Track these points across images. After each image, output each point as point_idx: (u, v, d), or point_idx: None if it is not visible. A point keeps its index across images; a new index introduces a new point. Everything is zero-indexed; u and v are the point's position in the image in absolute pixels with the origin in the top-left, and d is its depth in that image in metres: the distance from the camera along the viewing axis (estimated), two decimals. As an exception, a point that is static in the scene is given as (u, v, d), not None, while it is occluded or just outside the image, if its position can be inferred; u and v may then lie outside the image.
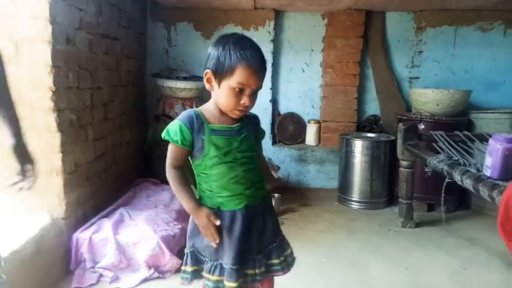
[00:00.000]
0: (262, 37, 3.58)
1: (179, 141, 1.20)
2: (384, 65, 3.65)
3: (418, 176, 2.94)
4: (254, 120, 1.35)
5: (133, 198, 2.63)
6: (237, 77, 1.14)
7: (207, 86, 1.24)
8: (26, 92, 1.92)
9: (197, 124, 1.21)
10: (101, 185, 2.54)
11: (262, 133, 1.40)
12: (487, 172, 1.90)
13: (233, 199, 1.24)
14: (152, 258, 2.02)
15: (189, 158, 1.27)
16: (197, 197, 1.29)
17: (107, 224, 2.14)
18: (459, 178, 1.98)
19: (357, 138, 3.31)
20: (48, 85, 1.93)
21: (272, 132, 3.77)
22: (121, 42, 2.93)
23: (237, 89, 1.15)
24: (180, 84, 3.20)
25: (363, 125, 3.70)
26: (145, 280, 1.99)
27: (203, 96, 3.52)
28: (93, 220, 2.21)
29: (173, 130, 1.21)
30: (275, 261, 1.33)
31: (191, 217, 1.31)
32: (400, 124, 2.78)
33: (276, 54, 3.69)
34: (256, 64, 1.15)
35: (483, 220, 2.96)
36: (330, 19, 3.59)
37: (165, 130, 1.23)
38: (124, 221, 2.24)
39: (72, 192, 2.11)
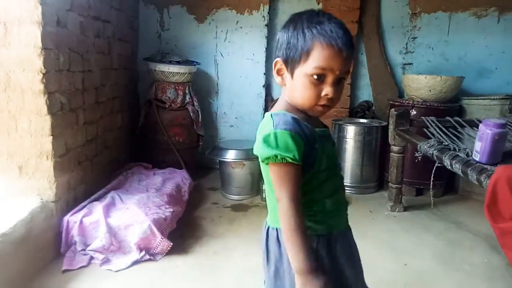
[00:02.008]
0: (256, 22, 3.56)
1: (296, 156, 0.85)
2: (378, 51, 3.65)
3: (408, 161, 2.97)
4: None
5: (124, 182, 2.64)
6: (315, 59, 0.87)
7: (277, 80, 0.97)
8: (16, 75, 1.91)
9: (306, 129, 0.90)
10: (92, 169, 2.54)
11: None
12: (476, 157, 1.93)
13: (341, 216, 1.03)
14: (143, 241, 2.04)
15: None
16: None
17: (98, 207, 2.15)
18: (449, 163, 2.01)
19: (349, 123, 3.32)
20: (38, 68, 1.91)
21: (265, 117, 3.77)
22: (113, 25, 2.90)
23: (315, 77, 0.88)
24: (172, 69, 3.18)
25: (356, 111, 3.71)
26: (136, 262, 2.01)
27: (195, 81, 3.51)
28: (84, 203, 2.22)
29: (284, 144, 0.86)
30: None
31: (275, 259, 0.98)
32: (392, 109, 2.79)
33: (270, 38, 3.66)
34: (340, 40, 0.86)
35: (470, 205, 3.01)
36: (325, 4, 3.56)
37: (265, 147, 0.87)
38: (116, 205, 2.25)
39: (62, 176, 2.11)
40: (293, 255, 0.86)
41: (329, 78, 0.88)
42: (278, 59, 0.95)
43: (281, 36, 0.94)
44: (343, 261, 1.00)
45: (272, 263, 1.00)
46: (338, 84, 0.90)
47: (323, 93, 0.89)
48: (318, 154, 0.92)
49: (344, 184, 1.08)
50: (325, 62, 0.87)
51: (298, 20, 0.91)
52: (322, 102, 0.90)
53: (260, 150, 0.89)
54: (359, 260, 1.08)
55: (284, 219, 0.87)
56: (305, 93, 0.90)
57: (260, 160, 0.93)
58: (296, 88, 0.92)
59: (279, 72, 0.96)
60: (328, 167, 0.95)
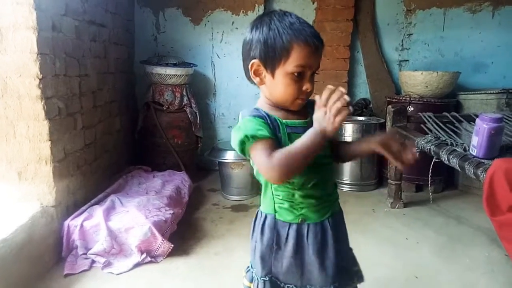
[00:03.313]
0: (251, 22, 3.56)
1: (267, 132, 0.93)
2: (374, 48, 3.65)
3: (407, 158, 2.97)
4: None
5: (124, 186, 2.65)
6: (295, 59, 0.93)
7: (255, 80, 1.01)
8: (13, 80, 1.91)
9: (269, 119, 0.98)
10: (92, 173, 2.55)
11: None
12: (474, 152, 1.94)
13: (318, 208, 1.05)
14: (144, 243, 2.05)
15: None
16: (272, 211, 1.06)
17: (98, 211, 2.15)
18: (446, 158, 2.02)
19: (347, 121, 3.32)
20: (34, 73, 1.91)
21: (263, 117, 3.77)
22: (109, 28, 2.90)
23: (295, 74, 0.95)
24: (169, 71, 3.19)
25: (354, 109, 3.72)
26: (138, 264, 2.02)
27: (193, 83, 3.52)
28: (84, 207, 2.22)
29: (250, 126, 0.94)
30: (354, 268, 1.16)
31: (254, 235, 1.10)
32: (389, 106, 2.80)
33: (265, 39, 3.67)
34: (314, 39, 0.94)
35: (470, 199, 3.02)
36: (320, 3, 3.57)
37: (237, 135, 0.95)
38: (116, 208, 2.26)
39: (62, 180, 2.12)
40: (306, 148, 0.89)
41: (308, 74, 0.97)
42: (255, 60, 0.98)
43: (254, 37, 0.98)
44: (312, 253, 1.04)
45: (251, 239, 1.13)
46: (312, 78, 0.99)
47: (304, 88, 0.97)
48: (283, 141, 0.97)
49: (334, 178, 1.12)
50: (304, 61, 0.94)
51: (269, 21, 0.96)
52: (302, 96, 0.99)
53: (233, 140, 0.97)
54: (339, 254, 1.07)
55: (280, 164, 0.89)
56: (287, 90, 0.97)
57: (238, 151, 0.99)
58: (277, 86, 0.98)
59: (256, 73, 1.01)
60: None
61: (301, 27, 0.94)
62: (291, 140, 0.96)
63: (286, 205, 1.04)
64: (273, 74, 0.97)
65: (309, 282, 1.06)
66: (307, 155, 0.89)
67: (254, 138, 0.92)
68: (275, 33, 0.94)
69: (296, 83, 0.96)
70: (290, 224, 1.05)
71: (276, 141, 0.95)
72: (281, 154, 0.89)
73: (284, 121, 1.00)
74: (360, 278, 1.16)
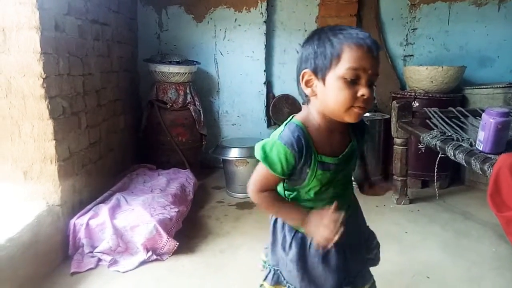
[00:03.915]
0: (254, 19, 3.55)
1: (279, 171, 0.96)
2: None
3: (412, 154, 2.96)
4: (362, 130, 1.07)
5: (129, 184, 2.65)
6: (346, 61, 0.88)
7: (307, 91, 0.96)
8: (17, 80, 1.92)
9: (305, 151, 0.95)
10: (97, 172, 2.55)
11: (367, 139, 1.12)
12: (480, 146, 1.92)
13: None
14: (150, 241, 2.05)
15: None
16: (281, 223, 1.10)
17: (104, 210, 2.16)
18: (452, 153, 2.00)
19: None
20: (38, 73, 1.92)
21: (267, 114, 3.77)
22: (112, 27, 2.90)
23: (349, 79, 0.88)
24: (173, 69, 3.19)
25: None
26: (143, 262, 2.02)
27: (196, 80, 3.52)
28: (89, 206, 2.23)
29: (273, 153, 0.95)
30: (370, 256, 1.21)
31: (271, 227, 1.13)
32: (394, 102, 2.78)
33: (269, 35, 3.66)
34: (367, 40, 0.88)
35: (476, 195, 3.00)
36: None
37: (260, 148, 0.97)
38: (121, 206, 2.26)
39: (67, 179, 2.13)
40: (285, 219, 1.06)
41: (363, 79, 0.89)
42: (305, 70, 0.95)
43: (306, 50, 0.96)
44: (316, 261, 1.06)
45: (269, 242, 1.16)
46: (371, 87, 0.91)
47: (359, 94, 0.89)
48: (308, 177, 0.98)
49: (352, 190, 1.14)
50: (357, 62, 0.87)
51: (321, 33, 0.94)
52: (358, 103, 0.90)
53: (256, 151, 0.99)
54: (348, 261, 1.08)
55: (258, 203, 1.04)
56: (340, 96, 0.90)
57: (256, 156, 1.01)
58: (330, 93, 0.92)
59: (308, 84, 0.96)
60: (316, 191, 1.02)
61: (353, 32, 0.90)
62: (316, 176, 0.98)
63: None
64: (324, 80, 0.92)
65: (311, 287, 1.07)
66: (281, 216, 1.07)
67: (266, 164, 0.96)
68: (325, 40, 0.91)
69: (350, 88, 0.89)
70: (296, 232, 1.06)
71: (282, 178, 1.01)
72: (267, 198, 1.02)
73: (319, 156, 0.97)
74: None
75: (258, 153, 0.97)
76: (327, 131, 0.99)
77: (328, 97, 0.92)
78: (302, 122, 0.98)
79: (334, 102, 0.92)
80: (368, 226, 1.25)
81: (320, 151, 0.98)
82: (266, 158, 0.95)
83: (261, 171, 0.99)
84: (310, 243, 1.05)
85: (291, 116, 1.03)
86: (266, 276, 1.16)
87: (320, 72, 0.92)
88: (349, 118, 0.93)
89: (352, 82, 0.88)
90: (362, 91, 0.88)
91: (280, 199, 1.06)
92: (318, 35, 0.94)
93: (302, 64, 0.97)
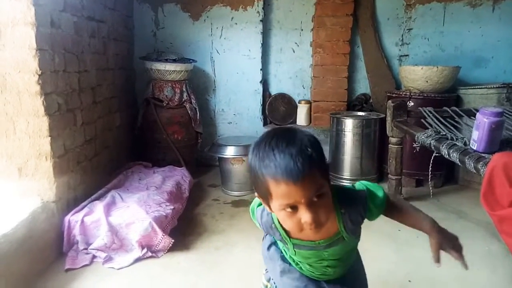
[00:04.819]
0: (251, 18, 3.55)
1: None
2: (374, 43, 3.64)
3: (407, 153, 2.98)
4: (356, 211, 0.98)
5: (124, 181, 2.65)
6: (276, 197, 0.84)
7: (267, 209, 0.96)
8: (12, 77, 1.91)
9: (277, 237, 1.03)
10: (92, 169, 2.55)
11: (376, 211, 1.03)
12: (474, 146, 1.94)
13: (316, 276, 1.09)
14: (145, 238, 2.05)
15: None
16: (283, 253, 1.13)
17: (99, 207, 2.16)
18: (446, 152, 2.01)
19: (347, 117, 3.32)
20: (34, 69, 1.91)
21: (263, 113, 3.78)
22: (107, 24, 2.89)
23: (288, 209, 0.85)
24: (169, 67, 3.18)
25: (354, 104, 3.71)
26: (138, 259, 2.02)
27: (192, 79, 3.51)
28: (84, 203, 2.23)
29: (255, 218, 1.08)
30: None
31: (263, 244, 1.19)
32: (390, 101, 2.79)
33: (265, 34, 3.66)
34: (285, 173, 0.80)
35: (470, 194, 3.02)
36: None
37: (252, 208, 1.10)
38: (116, 203, 2.26)
39: (62, 176, 2.12)
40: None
41: (301, 206, 0.83)
42: (256, 193, 0.94)
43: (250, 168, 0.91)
44: None
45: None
46: (319, 198, 0.84)
47: (302, 221, 0.85)
48: (290, 248, 1.03)
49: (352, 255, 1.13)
50: (285, 198, 0.82)
51: (255, 152, 0.86)
52: (306, 227, 0.86)
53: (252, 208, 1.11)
54: None
55: None
56: (287, 224, 0.91)
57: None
58: (279, 218, 0.94)
59: (264, 205, 0.95)
60: (302, 261, 1.05)
61: (273, 162, 0.81)
62: (296, 254, 1.02)
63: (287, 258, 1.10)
64: (270, 209, 0.92)
65: None
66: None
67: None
68: (255, 168, 0.85)
69: (293, 217, 0.85)
70: (282, 259, 1.12)
71: None
72: None
73: (292, 239, 1.00)
74: None
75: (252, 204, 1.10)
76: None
77: (280, 221, 0.94)
78: (276, 218, 0.98)
79: (286, 227, 0.95)
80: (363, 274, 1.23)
81: (293, 236, 0.99)
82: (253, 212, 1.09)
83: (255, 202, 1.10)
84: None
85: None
86: (266, 270, 1.21)
87: (264, 201, 0.91)
88: (306, 238, 0.96)
89: (292, 209, 0.84)
90: (304, 218, 0.84)
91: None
92: (252, 157, 0.87)
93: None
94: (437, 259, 1.02)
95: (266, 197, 0.87)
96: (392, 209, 1.07)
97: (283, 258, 1.11)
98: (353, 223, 0.97)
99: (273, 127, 0.98)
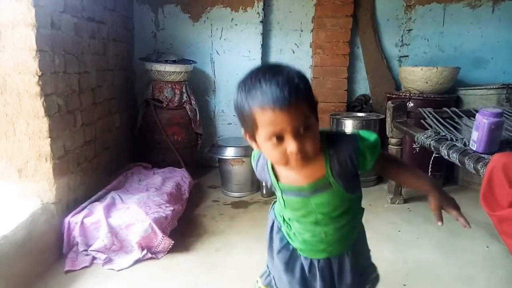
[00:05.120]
0: (251, 19, 3.56)
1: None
2: (373, 44, 3.65)
3: (406, 153, 2.98)
4: (345, 154, 0.92)
5: (124, 182, 2.65)
6: (262, 127, 0.83)
7: (253, 146, 0.95)
8: (12, 78, 1.91)
9: (269, 181, 1.03)
10: (92, 170, 2.55)
11: (370, 156, 0.95)
12: (473, 146, 1.94)
13: (311, 251, 1.05)
14: (145, 240, 2.05)
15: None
16: (280, 227, 1.12)
17: (98, 208, 2.16)
18: (446, 153, 2.01)
19: (347, 118, 3.32)
20: (34, 70, 1.91)
21: (263, 114, 3.77)
22: (108, 25, 2.90)
23: (273, 140, 0.84)
24: (168, 68, 3.18)
25: (353, 105, 3.71)
26: (138, 261, 2.02)
27: (192, 80, 3.51)
28: (84, 204, 2.23)
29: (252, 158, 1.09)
30: None
31: (267, 230, 1.16)
32: (389, 102, 2.80)
33: (265, 35, 3.66)
34: (272, 100, 0.79)
35: (470, 195, 3.02)
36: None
37: (253, 155, 1.09)
38: (116, 205, 2.26)
39: (62, 177, 2.12)
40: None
41: (287, 135, 0.83)
42: (243, 130, 0.93)
43: (235, 104, 0.91)
44: (298, 276, 1.08)
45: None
46: (306, 131, 0.83)
47: (288, 151, 0.84)
48: (279, 197, 1.04)
49: (353, 232, 1.08)
50: (272, 126, 0.82)
51: (241, 88, 0.86)
52: (292, 157, 0.85)
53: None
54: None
55: None
56: (272, 156, 0.89)
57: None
58: (265, 153, 0.92)
59: (250, 141, 0.94)
60: (294, 215, 1.03)
61: (260, 91, 0.81)
62: (285, 203, 1.02)
63: (283, 228, 1.10)
64: (256, 143, 0.91)
65: None
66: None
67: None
68: (240, 101, 0.85)
69: (278, 147, 0.84)
70: (287, 243, 1.10)
71: None
72: None
73: (279, 183, 1.00)
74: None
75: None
76: (287, 170, 0.94)
77: (265, 155, 0.94)
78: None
79: (271, 159, 0.94)
80: (368, 259, 1.20)
81: (281, 180, 0.99)
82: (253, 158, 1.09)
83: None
84: (297, 258, 1.08)
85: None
86: (262, 274, 1.19)
87: (250, 135, 0.91)
88: (291, 169, 0.92)
89: (278, 139, 0.84)
90: (289, 148, 0.83)
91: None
92: (238, 92, 0.87)
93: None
94: (440, 218, 1.02)
95: (252, 130, 0.86)
96: (387, 161, 1.04)
97: (282, 240, 1.11)
98: (341, 166, 0.92)
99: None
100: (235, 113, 0.91)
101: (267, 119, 0.81)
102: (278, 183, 0.99)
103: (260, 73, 0.83)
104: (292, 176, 0.96)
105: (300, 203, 0.98)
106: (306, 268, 1.06)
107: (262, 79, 0.82)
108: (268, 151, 0.88)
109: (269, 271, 1.18)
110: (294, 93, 0.80)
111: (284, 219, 1.08)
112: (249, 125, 0.86)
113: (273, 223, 1.13)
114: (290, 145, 0.83)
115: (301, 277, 1.07)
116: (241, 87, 0.85)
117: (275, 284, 1.15)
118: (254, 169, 1.08)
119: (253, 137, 0.89)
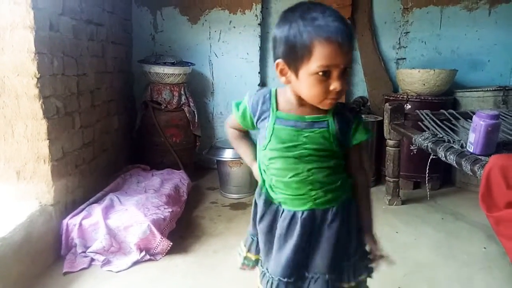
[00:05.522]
0: (249, 21, 3.57)
1: (239, 120, 1.11)
2: (371, 47, 3.66)
3: (404, 155, 2.99)
4: (346, 117, 1.00)
5: (122, 184, 2.65)
6: (317, 58, 0.86)
7: (281, 80, 0.97)
8: (11, 80, 1.91)
9: (264, 108, 1.03)
10: (90, 172, 2.55)
11: (359, 134, 1.02)
12: (470, 148, 1.95)
13: (295, 199, 1.04)
14: (143, 241, 2.05)
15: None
16: (262, 188, 1.12)
17: (97, 210, 2.16)
18: (443, 154, 2.03)
19: (345, 119, 3.33)
20: (32, 72, 1.91)
21: (261, 116, 3.78)
22: (106, 28, 2.90)
23: (321, 73, 0.87)
24: (167, 70, 3.19)
25: (351, 107, 3.72)
26: (136, 262, 2.02)
27: (191, 82, 3.52)
28: (82, 206, 2.23)
29: (241, 104, 1.09)
30: (345, 285, 1.11)
31: (254, 198, 1.17)
32: (387, 104, 2.81)
33: (263, 38, 3.67)
34: (338, 35, 0.84)
35: (467, 196, 3.04)
36: (317, 1, 3.57)
37: (238, 101, 1.11)
38: (114, 206, 2.26)
39: (60, 179, 2.12)
40: (241, 156, 1.29)
41: (335, 73, 0.88)
42: (279, 60, 0.94)
43: (278, 34, 0.92)
44: (277, 237, 1.08)
45: None
46: (344, 75, 0.90)
47: (331, 88, 0.89)
48: (267, 132, 1.01)
49: (337, 182, 1.04)
50: (329, 60, 0.86)
51: (292, 18, 0.89)
52: (331, 95, 0.90)
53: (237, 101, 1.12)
54: (305, 249, 1.06)
55: (226, 134, 1.28)
56: (313, 91, 0.91)
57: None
58: (303, 86, 0.92)
59: (282, 73, 0.95)
60: (278, 149, 1.01)
61: (324, 22, 0.84)
62: (273, 131, 1.00)
63: (269, 186, 1.10)
64: (296, 75, 0.91)
65: (268, 264, 1.10)
66: (238, 153, 1.29)
67: (235, 108, 1.11)
68: (296, 31, 0.87)
69: (322, 83, 0.89)
70: (271, 203, 1.10)
71: (244, 128, 1.18)
72: (231, 133, 1.25)
73: (277, 112, 1.01)
74: (357, 272, 1.15)
75: (235, 102, 1.12)
76: (298, 103, 0.99)
77: (301, 89, 0.94)
78: (277, 89, 1.05)
79: (307, 95, 0.94)
80: (362, 249, 1.19)
81: (281, 108, 1.01)
82: (236, 105, 1.10)
83: (233, 111, 1.12)
84: (280, 215, 1.07)
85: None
86: (249, 246, 1.22)
87: (292, 66, 0.91)
88: (323, 107, 0.95)
89: (324, 76, 0.88)
90: (334, 85, 0.89)
91: (240, 137, 1.24)
92: (289, 21, 0.89)
93: (275, 49, 0.95)
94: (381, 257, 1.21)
95: (301, 60, 0.88)
96: (360, 165, 1.11)
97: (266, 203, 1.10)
98: (340, 121, 0.99)
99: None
100: (274, 44, 0.95)
101: (328, 52, 0.85)
102: (276, 111, 1.01)
103: (318, 7, 0.88)
104: (296, 106, 0.99)
105: (291, 134, 0.99)
106: (286, 222, 1.04)
107: (326, 11, 0.87)
108: (308, 86, 0.90)
109: (252, 237, 1.21)
110: (351, 33, 0.88)
111: (265, 170, 1.09)
112: (299, 55, 0.88)
113: (259, 190, 1.14)
114: (335, 83, 0.89)
115: (279, 234, 1.06)
116: (296, 17, 0.88)
117: (258, 246, 1.17)
118: (247, 107, 1.06)
119: (295, 69, 0.91)
